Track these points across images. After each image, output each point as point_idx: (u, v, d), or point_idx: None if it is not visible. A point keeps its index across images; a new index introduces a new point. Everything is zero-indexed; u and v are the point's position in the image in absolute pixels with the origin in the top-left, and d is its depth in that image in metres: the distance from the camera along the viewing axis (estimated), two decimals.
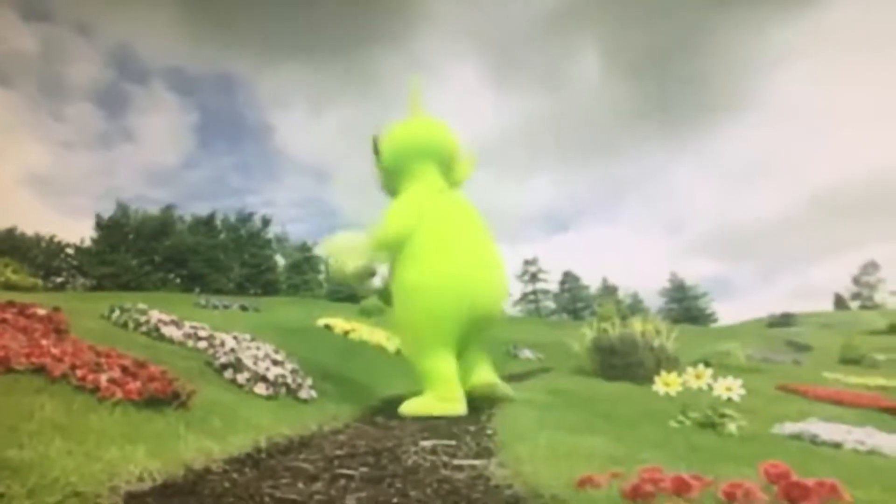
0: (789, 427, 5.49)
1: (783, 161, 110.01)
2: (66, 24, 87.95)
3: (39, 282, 23.90)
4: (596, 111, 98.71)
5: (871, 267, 72.92)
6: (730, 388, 4.70)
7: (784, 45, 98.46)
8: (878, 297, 71.11)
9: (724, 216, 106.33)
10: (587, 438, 3.60)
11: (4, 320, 3.77)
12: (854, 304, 71.38)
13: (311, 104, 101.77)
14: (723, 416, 4.84)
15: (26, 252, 37.22)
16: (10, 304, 4.40)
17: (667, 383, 4.94)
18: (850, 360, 24.51)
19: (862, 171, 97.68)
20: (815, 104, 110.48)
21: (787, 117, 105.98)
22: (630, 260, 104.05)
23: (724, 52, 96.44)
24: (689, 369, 4.89)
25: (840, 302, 72.64)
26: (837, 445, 4.94)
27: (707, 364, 5.35)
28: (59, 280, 40.20)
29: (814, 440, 5.11)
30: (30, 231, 40.58)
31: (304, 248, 50.76)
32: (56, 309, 4.51)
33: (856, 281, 74.03)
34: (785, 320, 50.19)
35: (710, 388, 4.74)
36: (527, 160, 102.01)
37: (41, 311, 4.32)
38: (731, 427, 4.74)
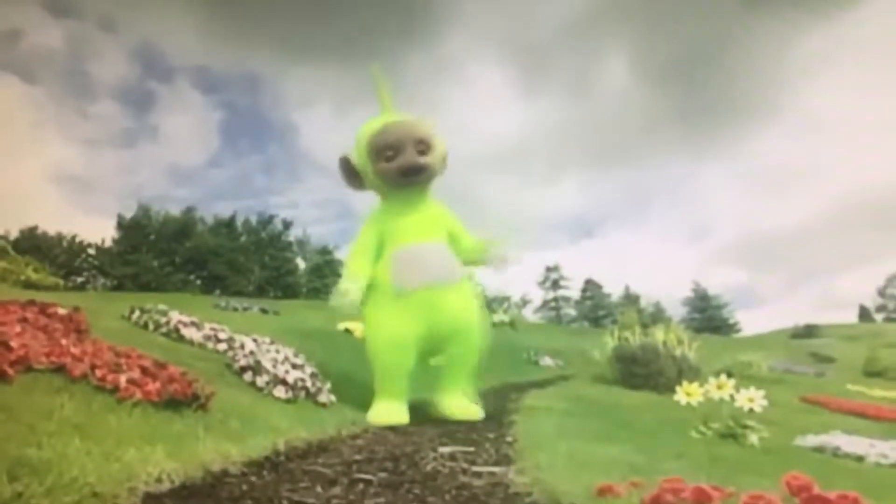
0: (812, 439, 5.44)
1: (810, 170, 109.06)
2: (91, 21, 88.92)
3: (60, 281, 24.14)
4: (623, 117, 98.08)
5: None
6: (752, 398, 4.65)
7: (813, 53, 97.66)
8: None
9: (750, 225, 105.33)
10: (607, 447, 3.59)
11: (25, 319, 3.79)
12: (879, 317, 70.61)
13: (337, 105, 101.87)
14: (744, 427, 4.79)
15: (48, 251, 37.62)
16: (31, 303, 4.44)
17: (688, 393, 4.89)
18: (874, 373, 24.26)
19: (890, 181, 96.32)
20: (843, 113, 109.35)
21: (815, 126, 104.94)
22: (654, 268, 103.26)
23: (752, 59, 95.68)
24: (712, 379, 4.85)
25: (865, 314, 71.87)
26: (860, 458, 4.89)
27: (729, 375, 5.30)
28: (79, 280, 40.59)
29: (836, 453, 5.06)
30: (52, 230, 41.02)
31: (325, 251, 50.94)
32: (76, 309, 4.54)
33: (881, 293, 73.24)
34: (808, 331, 49.69)
35: (732, 398, 4.69)
36: (552, 165, 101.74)
37: (62, 311, 4.35)
38: (753, 438, 4.69)
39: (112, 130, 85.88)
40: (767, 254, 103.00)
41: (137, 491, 1.95)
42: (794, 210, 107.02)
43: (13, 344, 2.81)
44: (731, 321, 65.59)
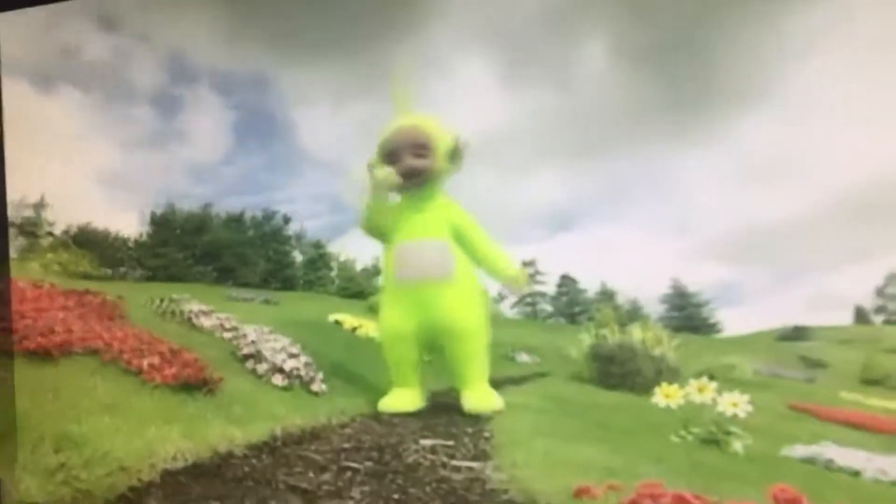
0: (800, 450, 5.18)
1: (801, 160, 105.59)
2: (130, 33, 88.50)
3: (109, 271, 24.38)
4: (604, 107, 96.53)
5: None
6: (735, 403, 4.48)
7: (802, 38, 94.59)
8: None
9: (736, 217, 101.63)
10: (583, 447, 3.64)
11: (67, 307, 4.06)
12: (877, 319, 69.08)
13: (331, 101, 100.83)
14: (727, 433, 4.71)
15: (97, 245, 37.84)
16: (72, 291, 4.70)
17: (667, 395, 4.74)
18: (872, 381, 23.67)
19: (889, 171, 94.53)
20: (836, 100, 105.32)
21: (806, 113, 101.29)
22: (636, 262, 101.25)
23: (737, 45, 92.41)
24: (692, 381, 4.75)
25: (861, 315, 70.02)
26: (856, 473, 4.65)
27: (711, 377, 5.19)
28: (122, 270, 40.82)
29: (829, 466, 4.84)
30: (100, 226, 41.32)
31: (318, 245, 50.79)
32: (118, 297, 4.79)
33: (880, 293, 71.32)
34: (796, 333, 48.55)
35: (714, 402, 4.59)
36: (532, 156, 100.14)
37: (99, 299, 4.61)
38: (737, 445, 4.54)
39: (146, 133, 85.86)
40: (755, 248, 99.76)
41: (157, 467, 2.16)
42: (783, 202, 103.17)
43: (57, 328, 3.09)
44: (712, 321, 64.41)
